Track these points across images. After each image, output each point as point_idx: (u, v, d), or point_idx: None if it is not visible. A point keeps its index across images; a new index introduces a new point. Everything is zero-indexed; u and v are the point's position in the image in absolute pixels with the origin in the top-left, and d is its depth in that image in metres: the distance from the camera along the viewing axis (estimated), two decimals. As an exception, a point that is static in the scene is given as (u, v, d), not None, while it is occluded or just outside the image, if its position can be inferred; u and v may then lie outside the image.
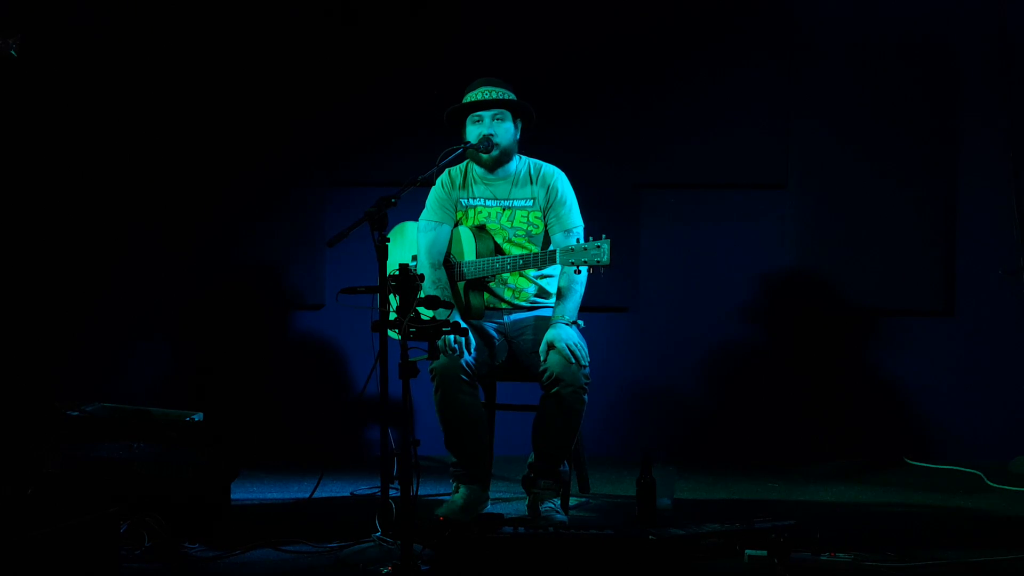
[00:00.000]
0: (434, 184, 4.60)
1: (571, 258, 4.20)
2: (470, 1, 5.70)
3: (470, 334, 4.27)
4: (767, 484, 5.08)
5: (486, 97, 4.46)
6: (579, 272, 4.33)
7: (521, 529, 3.72)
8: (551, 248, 4.41)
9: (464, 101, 4.50)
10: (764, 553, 3.67)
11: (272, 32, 5.72)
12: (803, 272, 5.69)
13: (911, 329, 5.66)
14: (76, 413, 4.37)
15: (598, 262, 4.14)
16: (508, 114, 4.48)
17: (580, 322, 4.40)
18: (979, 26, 5.58)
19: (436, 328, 3.73)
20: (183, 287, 5.76)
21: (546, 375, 4.26)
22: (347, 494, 4.85)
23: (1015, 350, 5.58)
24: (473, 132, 4.47)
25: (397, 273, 3.66)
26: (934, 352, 5.65)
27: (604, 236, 4.13)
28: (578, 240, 4.36)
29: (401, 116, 5.67)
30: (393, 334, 3.88)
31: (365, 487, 4.91)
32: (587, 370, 4.27)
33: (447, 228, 4.57)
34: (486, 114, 4.46)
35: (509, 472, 4.93)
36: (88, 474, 4.00)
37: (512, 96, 4.50)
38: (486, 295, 4.51)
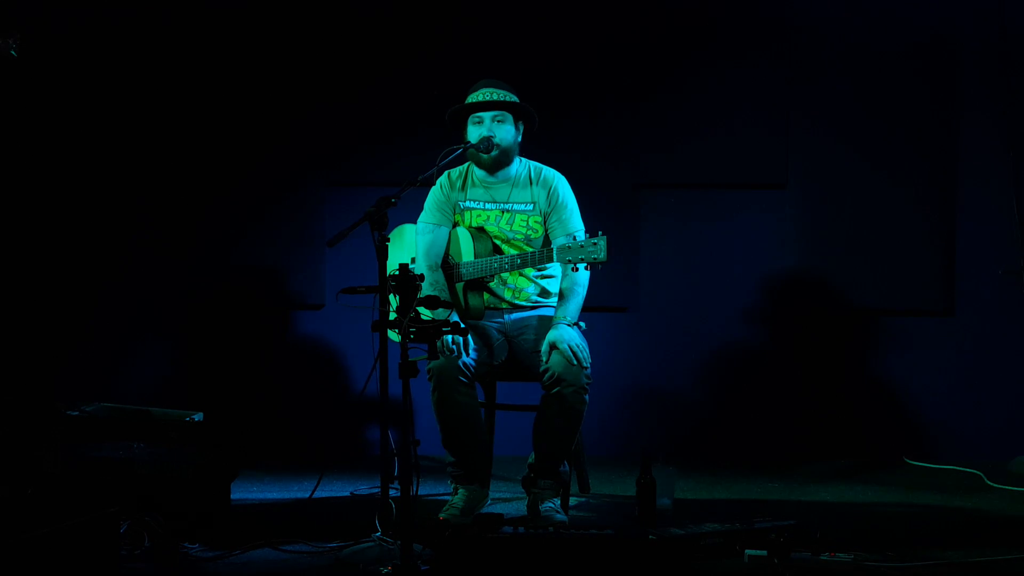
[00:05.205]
0: (434, 184, 4.60)
1: (568, 256, 4.20)
2: (471, 1, 5.70)
3: (468, 335, 4.27)
4: (767, 484, 5.08)
5: (487, 98, 4.46)
6: (576, 270, 4.32)
7: (521, 529, 3.72)
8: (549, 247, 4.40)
9: (466, 102, 4.49)
10: (764, 553, 3.67)
11: (272, 32, 5.72)
12: (803, 272, 5.69)
13: (911, 329, 5.66)
14: (76, 413, 4.37)
15: (595, 259, 4.14)
16: (509, 116, 4.47)
17: (582, 323, 4.40)
18: (979, 26, 5.58)
19: (435, 328, 3.73)
20: (183, 287, 5.77)
21: (548, 375, 4.26)
22: (347, 494, 4.85)
23: (1015, 350, 5.58)
24: (474, 133, 4.46)
25: (397, 273, 3.66)
26: (934, 352, 5.65)
27: (600, 233, 4.13)
28: (574, 238, 4.36)
29: (401, 116, 5.68)
30: (393, 335, 3.88)
31: (365, 487, 4.92)
32: (588, 371, 4.27)
33: (445, 230, 4.56)
34: (486, 115, 4.45)
35: (509, 472, 4.93)
36: (88, 474, 4.00)
37: (514, 98, 4.49)
38: (486, 295, 4.51)
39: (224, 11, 5.70)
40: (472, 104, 4.47)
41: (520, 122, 4.52)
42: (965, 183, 5.63)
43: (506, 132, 4.46)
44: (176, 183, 5.76)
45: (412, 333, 3.66)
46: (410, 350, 3.64)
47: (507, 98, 4.47)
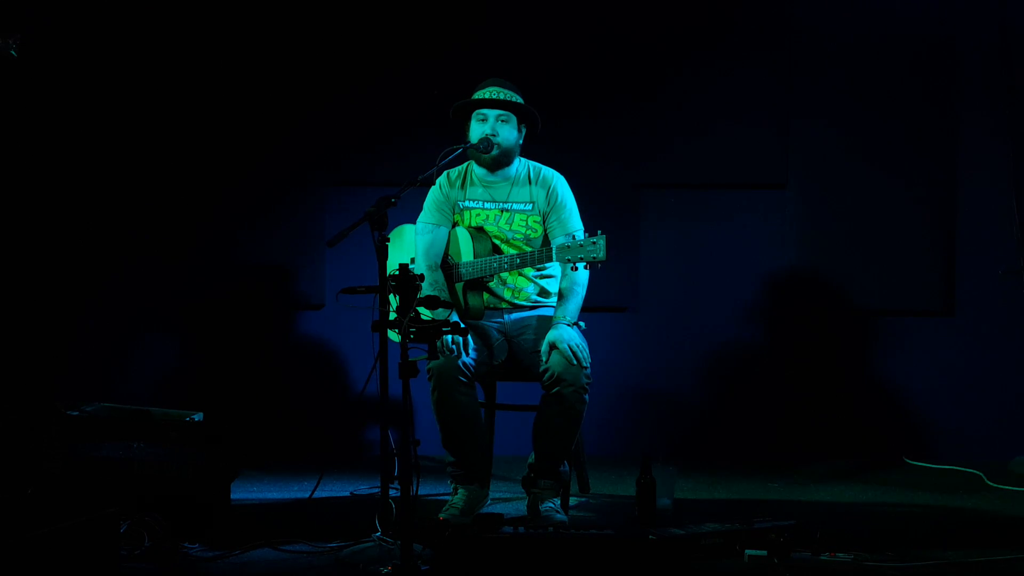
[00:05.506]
0: (433, 184, 4.59)
1: (567, 255, 4.19)
2: (471, 2, 5.70)
3: (468, 335, 4.27)
4: (767, 484, 5.08)
5: (494, 97, 4.45)
6: (576, 269, 4.31)
7: (521, 529, 3.72)
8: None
9: (473, 98, 4.49)
10: (764, 553, 3.67)
11: (272, 32, 5.72)
12: (803, 272, 5.69)
13: (911, 329, 5.66)
14: (76, 413, 4.37)
15: (595, 258, 4.14)
16: (513, 118, 4.47)
17: (581, 323, 4.40)
18: (979, 25, 5.58)
19: (436, 328, 3.74)
20: (183, 287, 5.76)
21: (547, 375, 4.26)
22: (347, 494, 4.85)
23: (1015, 350, 5.58)
24: (476, 130, 4.46)
25: (397, 273, 3.66)
26: (934, 352, 5.65)
27: (600, 232, 4.13)
28: (573, 237, 4.35)
29: (401, 116, 5.67)
30: (393, 335, 3.88)
31: (365, 487, 4.91)
32: (588, 371, 4.27)
33: (444, 231, 4.56)
34: (491, 113, 4.45)
35: (509, 472, 4.93)
36: (88, 474, 4.01)
37: (520, 100, 4.49)
38: (486, 295, 4.51)
39: (223, 10, 5.70)
40: (478, 100, 4.47)
41: (523, 125, 4.51)
42: (965, 183, 5.62)
43: (509, 133, 4.46)
44: (176, 183, 5.75)
45: (412, 333, 3.66)
46: (410, 350, 3.64)
47: (513, 99, 4.47)
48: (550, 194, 4.50)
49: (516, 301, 4.54)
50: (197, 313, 5.79)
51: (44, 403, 4.41)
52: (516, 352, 4.51)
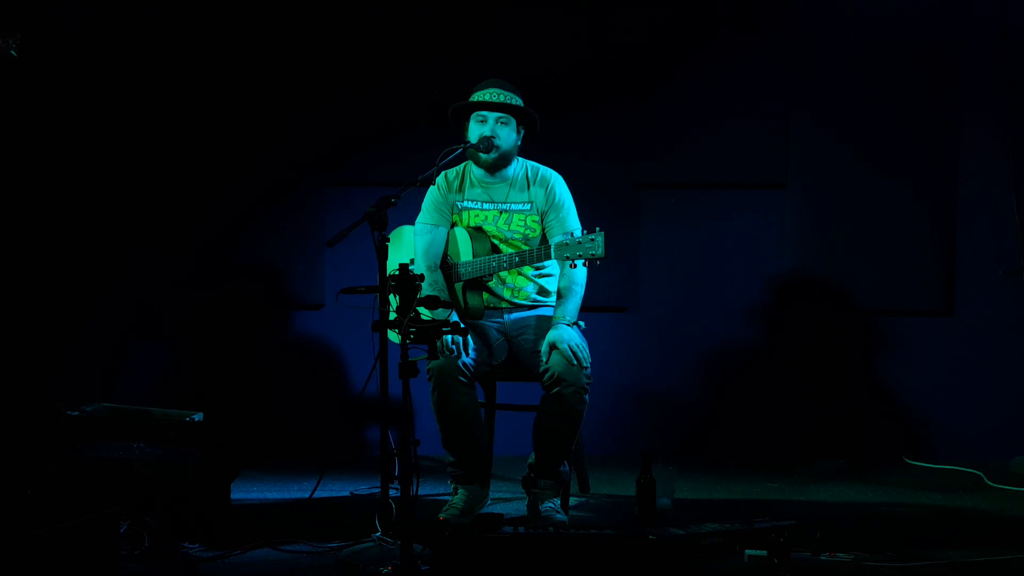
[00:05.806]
0: (433, 184, 4.59)
1: (566, 252, 4.19)
2: (471, 2, 5.70)
3: (468, 335, 4.27)
4: (767, 484, 5.08)
5: (494, 99, 4.44)
6: (574, 267, 4.30)
7: (521, 529, 3.72)
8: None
9: (471, 99, 4.48)
10: (764, 553, 3.67)
11: (272, 32, 5.72)
12: (803, 272, 5.69)
13: (911, 329, 5.66)
14: (76, 413, 4.37)
15: (593, 255, 4.13)
16: (513, 120, 4.46)
17: (581, 323, 4.40)
18: (979, 26, 5.58)
19: (436, 328, 3.74)
20: (183, 287, 5.76)
21: (548, 375, 4.26)
22: (347, 494, 4.85)
23: (1015, 350, 5.58)
24: (475, 131, 4.46)
25: (397, 273, 3.66)
26: (934, 352, 5.65)
27: (598, 229, 4.13)
28: (572, 235, 4.35)
29: (401, 116, 5.67)
30: (393, 335, 3.88)
31: (365, 487, 4.91)
32: (588, 371, 4.27)
33: (443, 231, 4.56)
34: (491, 115, 4.44)
35: (509, 472, 4.93)
36: (88, 474, 4.01)
37: (519, 102, 4.48)
38: (485, 295, 4.50)
39: (224, 11, 5.70)
40: (478, 103, 4.46)
41: (522, 126, 4.51)
42: (965, 183, 5.62)
43: (508, 135, 4.45)
44: (176, 183, 5.75)
45: (412, 333, 3.66)
46: (410, 350, 3.64)
47: (513, 101, 4.46)
48: (548, 193, 4.50)
49: (516, 300, 4.54)
50: (197, 313, 5.79)
51: (44, 403, 4.42)
52: (516, 352, 4.51)
